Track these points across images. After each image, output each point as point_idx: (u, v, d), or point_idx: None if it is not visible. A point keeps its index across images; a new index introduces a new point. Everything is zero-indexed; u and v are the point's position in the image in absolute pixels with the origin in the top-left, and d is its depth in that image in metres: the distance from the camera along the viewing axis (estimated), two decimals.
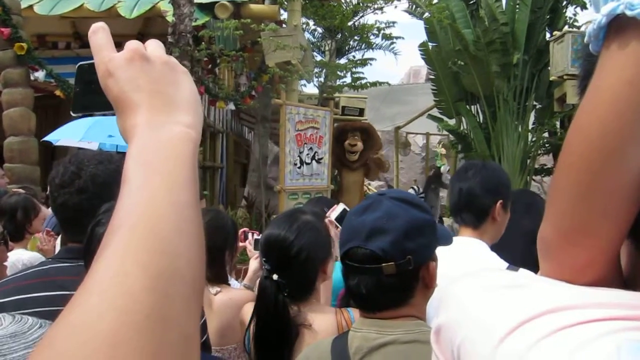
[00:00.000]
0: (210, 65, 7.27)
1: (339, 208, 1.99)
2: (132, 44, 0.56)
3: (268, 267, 1.57)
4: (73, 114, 0.64)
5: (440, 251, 1.29)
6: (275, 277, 1.54)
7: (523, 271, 1.64)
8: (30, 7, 6.98)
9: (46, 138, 5.16)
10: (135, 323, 0.37)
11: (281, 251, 1.57)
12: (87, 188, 1.45)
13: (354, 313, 1.60)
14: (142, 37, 7.81)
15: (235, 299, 2.00)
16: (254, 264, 2.35)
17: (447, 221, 8.21)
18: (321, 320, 1.56)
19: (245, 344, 1.67)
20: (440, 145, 11.87)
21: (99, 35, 0.56)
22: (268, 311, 1.54)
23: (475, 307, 0.47)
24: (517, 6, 8.51)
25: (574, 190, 0.46)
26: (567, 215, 0.47)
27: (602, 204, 0.44)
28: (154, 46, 0.58)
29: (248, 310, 1.72)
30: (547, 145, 9.26)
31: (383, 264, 1.16)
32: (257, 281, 2.35)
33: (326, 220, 1.90)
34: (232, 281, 2.41)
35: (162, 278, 0.41)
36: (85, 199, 1.45)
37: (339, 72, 9.05)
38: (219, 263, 2.08)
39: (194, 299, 0.43)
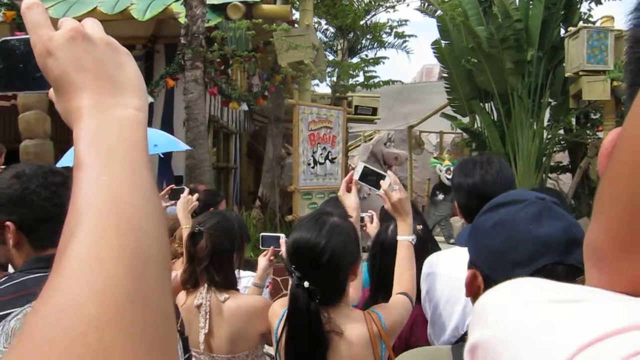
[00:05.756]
0: (223, 66, 7.30)
1: (359, 167, 1.95)
2: (70, 23, 0.53)
3: (299, 275, 1.52)
4: None
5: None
6: (306, 284, 1.50)
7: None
8: None
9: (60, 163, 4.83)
10: (119, 305, 0.37)
11: (312, 258, 1.51)
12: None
13: (381, 314, 1.58)
14: (155, 39, 7.87)
15: (244, 307, 1.98)
16: (262, 261, 2.31)
17: (459, 222, 7.98)
18: (352, 327, 1.53)
19: (275, 356, 1.64)
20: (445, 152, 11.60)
21: (35, 11, 0.53)
22: (301, 320, 1.51)
23: (525, 323, 0.41)
24: (531, 2, 8.43)
25: (632, 197, 0.40)
26: (625, 221, 0.40)
27: None
28: (93, 25, 0.55)
29: (276, 311, 1.69)
30: (562, 142, 9.16)
31: (577, 279, 1.01)
32: (268, 280, 2.33)
33: (352, 182, 1.92)
34: (245, 273, 2.36)
35: (137, 260, 0.41)
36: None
37: (351, 71, 9.02)
38: (227, 266, 2.04)
39: (166, 279, 0.44)
